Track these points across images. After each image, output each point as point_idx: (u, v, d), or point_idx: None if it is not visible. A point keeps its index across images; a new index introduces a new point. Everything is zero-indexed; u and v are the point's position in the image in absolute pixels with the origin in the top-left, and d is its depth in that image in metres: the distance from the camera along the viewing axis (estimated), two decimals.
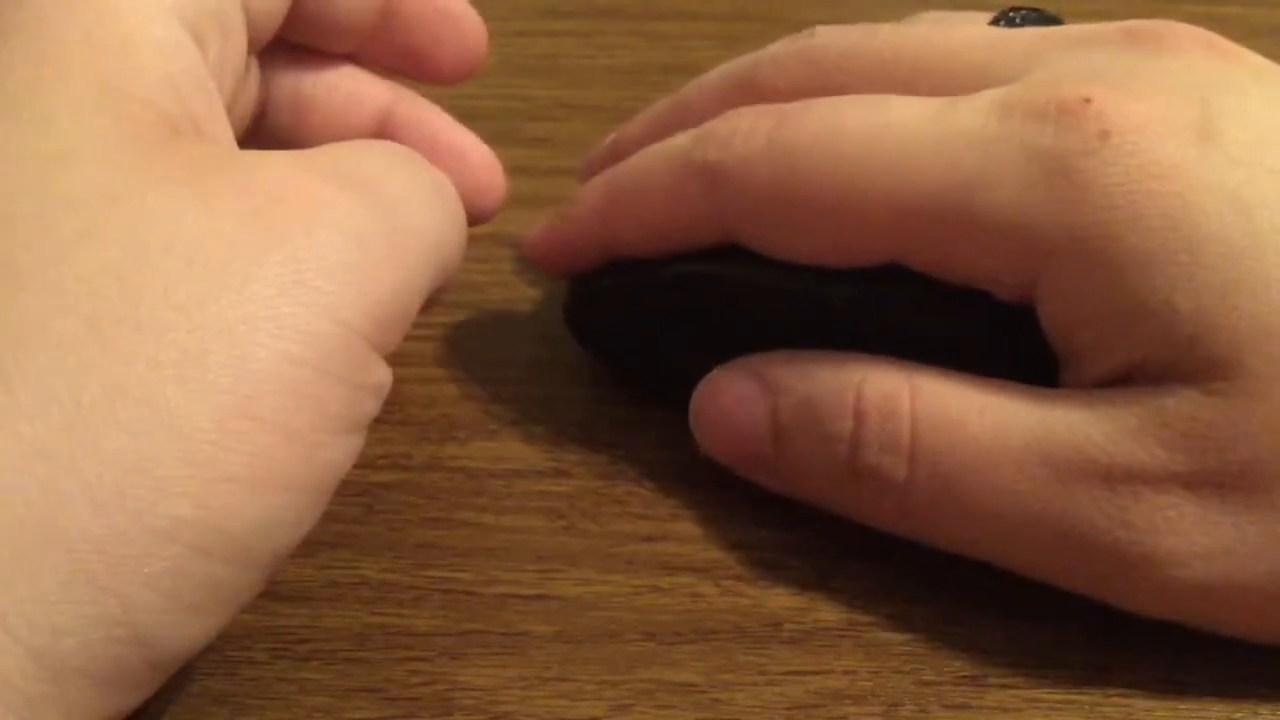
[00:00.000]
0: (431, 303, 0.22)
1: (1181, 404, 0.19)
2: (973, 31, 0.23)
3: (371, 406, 0.19)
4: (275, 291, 0.17)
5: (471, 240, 0.29)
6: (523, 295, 0.28)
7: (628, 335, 0.25)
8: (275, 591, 0.22)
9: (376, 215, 0.19)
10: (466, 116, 0.34)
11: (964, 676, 0.21)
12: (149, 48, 0.18)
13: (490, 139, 0.33)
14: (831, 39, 0.24)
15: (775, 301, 0.22)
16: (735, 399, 0.23)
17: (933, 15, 0.27)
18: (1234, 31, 0.36)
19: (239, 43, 0.21)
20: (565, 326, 0.26)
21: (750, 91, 0.24)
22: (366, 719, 0.20)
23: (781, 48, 0.24)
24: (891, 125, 0.21)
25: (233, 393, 0.16)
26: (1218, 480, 0.19)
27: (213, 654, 0.21)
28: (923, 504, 0.21)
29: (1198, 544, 0.19)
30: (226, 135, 0.20)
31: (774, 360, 0.22)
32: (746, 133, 0.22)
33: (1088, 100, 0.20)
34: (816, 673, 0.21)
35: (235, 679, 0.21)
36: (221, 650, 0.21)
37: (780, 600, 0.22)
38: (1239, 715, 0.20)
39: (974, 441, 0.20)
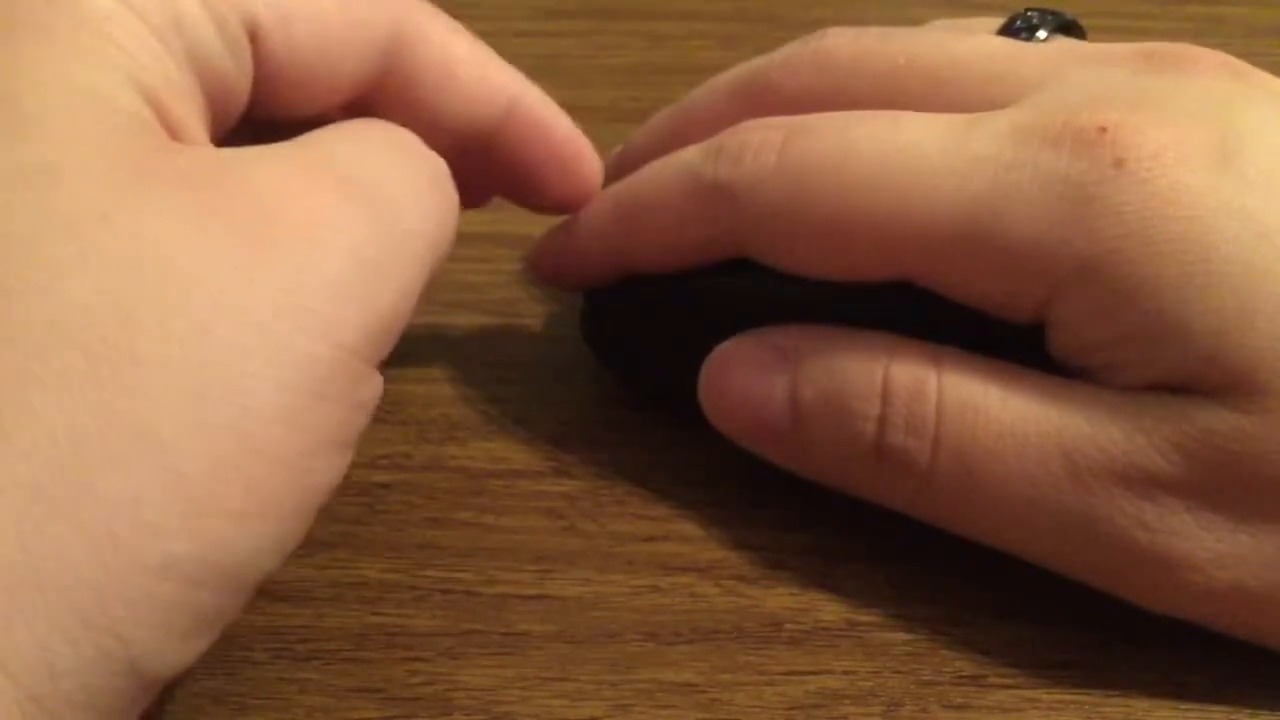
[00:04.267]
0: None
1: (1203, 416, 0.19)
2: (988, 42, 0.23)
3: (363, 421, 0.18)
4: (273, 315, 0.16)
5: (471, 240, 0.29)
6: (523, 295, 0.28)
7: (649, 353, 0.25)
8: (275, 592, 0.22)
9: (378, 226, 0.18)
10: None
11: (964, 676, 0.21)
12: (132, 61, 0.18)
13: None
14: (844, 42, 0.24)
15: (796, 313, 0.22)
16: (751, 371, 0.22)
17: (945, 23, 0.26)
18: (1234, 31, 0.37)
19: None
20: (566, 330, 0.26)
21: (760, 95, 0.24)
22: (366, 719, 0.20)
23: (792, 50, 0.24)
24: (905, 146, 0.21)
25: (230, 428, 0.16)
26: (1235, 492, 0.19)
27: (213, 654, 0.21)
28: (943, 489, 0.21)
29: (1212, 550, 0.19)
30: (205, 141, 0.19)
31: (792, 333, 0.22)
32: (756, 148, 0.22)
33: (1103, 129, 0.19)
34: (816, 673, 0.21)
35: (235, 679, 0.21)
36: (222, 650, 0.21)
37: (780, 600, 0.22)
38: (1238, 717, 0.20)
39: (997, 430, 0.20)
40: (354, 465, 0.24)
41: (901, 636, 0.21)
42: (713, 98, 0.25)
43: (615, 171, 0.26)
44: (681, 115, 0.26)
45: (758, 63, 0.25)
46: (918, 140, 0.21)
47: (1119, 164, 0.19)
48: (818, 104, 0.23)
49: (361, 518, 0.23)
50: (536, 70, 0.36)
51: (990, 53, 0.22)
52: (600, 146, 0.32)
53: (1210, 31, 0.37)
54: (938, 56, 0.23)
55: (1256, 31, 0.37)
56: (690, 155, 0.23)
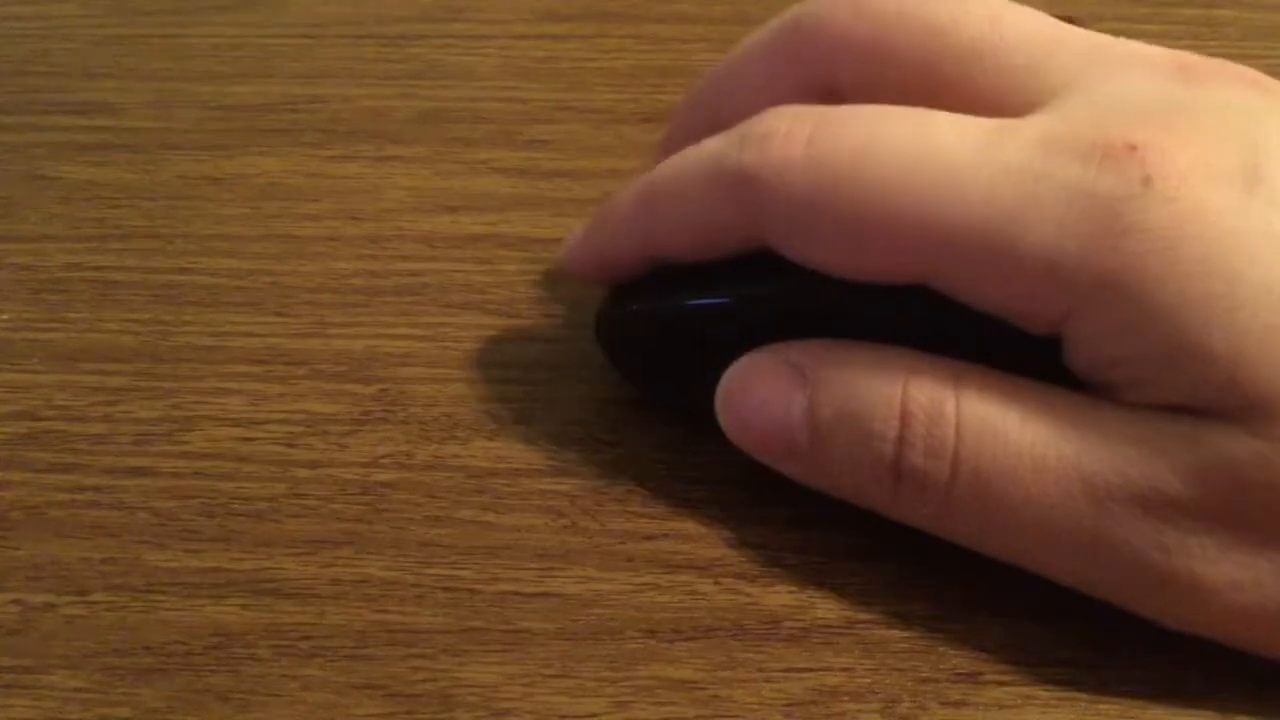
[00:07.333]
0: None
1: (1223, 441, 0.19)
2: (1033, 21, 0.23)
3: None
4: None
5: (473, 242, 0.30)
6: (524, 296, 0.28)
7: (664, 362, 0.25)
8: (279, 589, 0.22)
9: None
10: (467, 118, 0.34)
11: (961, 673, 0.21)
12: None
13: (491, 141, 0.33)
14: None
15: (814, 324, 0.22)
16: (768, 389, 0.22)
17: None
18: (1231, 34, 0.37)
19: None
20: (568, 330, 0.26)
21: (797, 46, 0.24)
22: (369, 715, 0.20)
23: None
24: (933, 148, 0.20)
25: None
26: (1255, 517, 0.19)
27: (216, 650, 0.21)
28: (962, 509, 0.21)
29: (1229, 574, 0.19)
30: None
31: (810, 349, 0.22)
32: (784, 138, 0.22)
33: (1133, 147, 0.19)
34: (815, 670, 0.21)
35: (239, 675, 0.21)
36: (225, 647, 0.21)
37: (779, 598, 0.22)
38: (1234, 714, 0.20)
39: (1015, 451, 0.20)
40: (356, 464, 0.24)
41: (899, 634, 0.22)
42: (754, 51, 0.25)
43: (672, 137, 0.25)
44: (726, 74, 0.25)
45: (800, 8, 0.24)
46: (946, 143, 0.20)
47: (1146, 181, 0.19)
48: (857, 52, 0.23)
49: (364, 516, 0.24)
50: (537, 73, 0.37)
51: (1033, 32, 0.22)
52: (600, 149, 0.33)
53: (1206, 35, 0.37)
54: (982, 24, 0.22)
55: (1251, 34, 0.37)
56: (715, 143, 0.23)
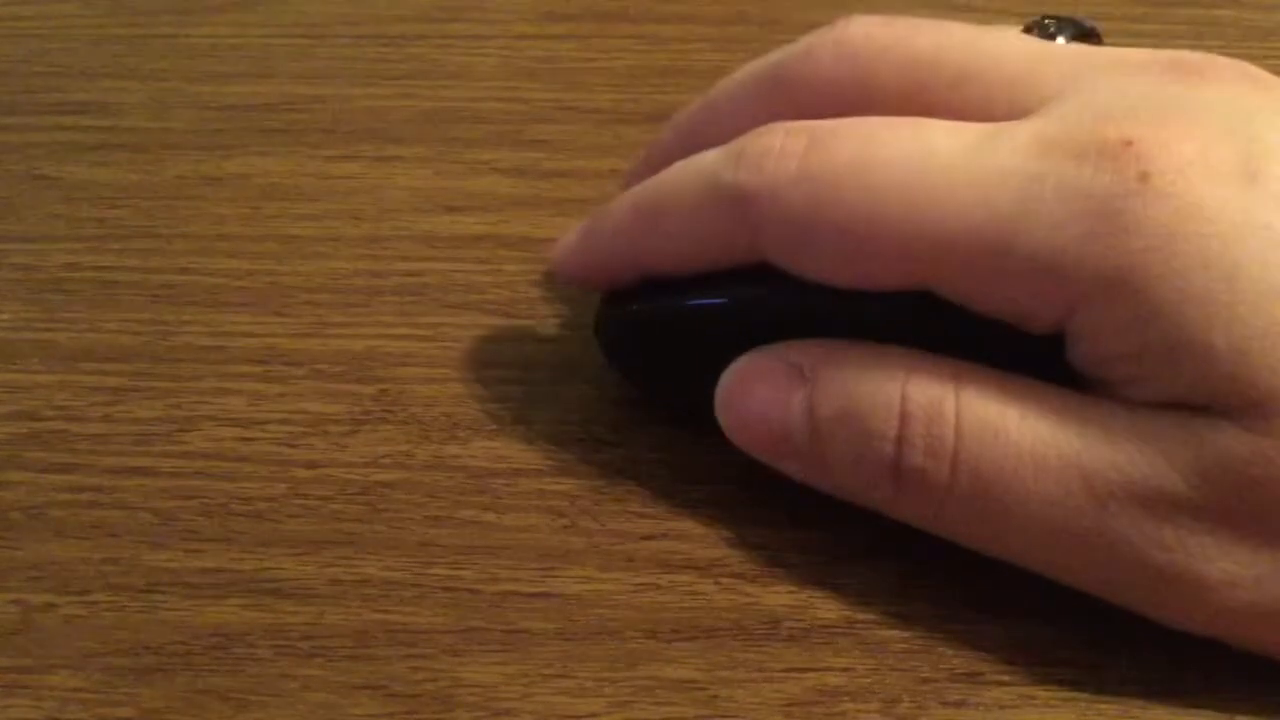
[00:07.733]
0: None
1: (1222, 438, 0.19)
2: (1016, 40, 0.23)
3: None
4: None
5: (473, 242, 0.30)
6: (524, 296, 0.28)
7: (664, 362, 0.25)
8: (278, 589, 0.22)
9: None
10: (468, 118, 0.34)
11: (961, 674, 0.21)
12: None
13: (491, 141, 0.33)
14: (870, 31, 0.23)
15: (813, 326, 0.22)
16: (768, 388, 0.22)
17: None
18: (1230, 34, 0.37)
19: None
20: (568, 330, 0.26)
21: (784, 86, 0.24)
22: (369, 715, 0.20)
23: (816, 39, 0.24)
24: (928, 155, 0.20)
25: None
26: (1256, 515, 0.19)
27: (217, 650, 0.21)
28: (961, 509, 0.21)
29: (1229, 571, 0.19)
30: None
31: (809, 349, 0.22)
32: (778, 155, 0.22)
33: (1129, 142, 0.19)
34: (815, 670, 0.21)
35: (239, 675, 0.21)
36: (225, 647, 0.21)
37: (779, 598, 0.22)
38: (1234, 714, 0.20)
39: (1015, 451, 0.20)
40: (356, 464, 0.24)
41: (899, 634, 0.22)
42: (737, 92, 0.25)
43: (645, 170, 0.25)
44: (707, 111, 0.25)
45: (781, 53, 0.24)
46: (941, 150, 0.20)
47: (1144, 178, 0.19)
48: (841, 93, 0.23)
49: (364, 516, 0.24)
50: (537, 73, 0.37)
51: (1018, 51, 0.22)
52: (600, 149, 0.33)
53: (1206, 34, 0.37)
54: (966, 50, 0.22)
55: (1252, 34, 0.37)
56: (710, 159, 0.23)
